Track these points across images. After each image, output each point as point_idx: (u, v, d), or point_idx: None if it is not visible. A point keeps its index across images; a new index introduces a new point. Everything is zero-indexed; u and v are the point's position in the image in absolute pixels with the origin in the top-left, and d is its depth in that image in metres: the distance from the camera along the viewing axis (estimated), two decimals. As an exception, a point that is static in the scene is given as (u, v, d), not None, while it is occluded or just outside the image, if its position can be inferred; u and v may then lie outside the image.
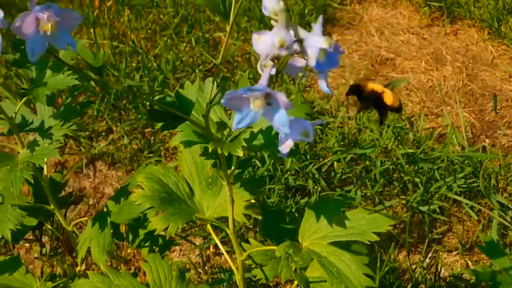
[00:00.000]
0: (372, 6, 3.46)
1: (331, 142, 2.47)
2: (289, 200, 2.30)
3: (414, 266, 2.15)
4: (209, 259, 2.25)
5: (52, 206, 1.50)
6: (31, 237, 1.66)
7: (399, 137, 2.45)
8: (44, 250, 1.62)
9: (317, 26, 0.87)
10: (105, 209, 1.47)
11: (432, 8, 3.32)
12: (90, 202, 2.57)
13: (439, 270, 2.07)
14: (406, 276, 2.13)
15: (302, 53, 0.92)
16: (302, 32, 0.88)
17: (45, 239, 1.78)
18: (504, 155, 2.45)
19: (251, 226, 2.24)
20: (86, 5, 3.37)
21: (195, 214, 1.32)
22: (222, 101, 0.87)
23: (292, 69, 0.97)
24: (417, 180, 2.32)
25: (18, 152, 1.45)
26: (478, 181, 2.27)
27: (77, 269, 1.49)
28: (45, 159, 1.38)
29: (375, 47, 3.15)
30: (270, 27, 0.89)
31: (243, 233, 2.23)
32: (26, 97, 1.37)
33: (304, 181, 2.36)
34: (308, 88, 2.85)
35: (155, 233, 1.29)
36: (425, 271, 2.10)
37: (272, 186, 2.32)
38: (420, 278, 2.08)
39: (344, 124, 2.60)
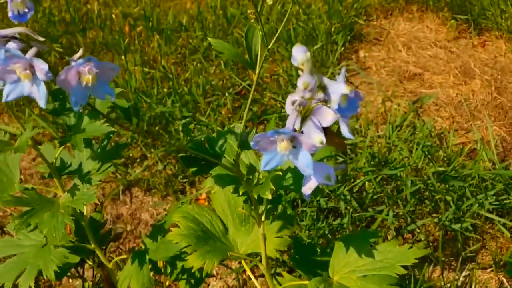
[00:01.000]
0: (398, 20, 3.48)
1: (361, 162, 2.50)
2: (322, 222, 2.34)
3: (448, 285, 2.17)
4: (246, 283, 2.29)
5: (92, 245, 1.56)
6: (72, 273, 1.72)
7: (429, 156, 2.47)
8: (86, 284, 1.68)
9: (340, 76, 0.92)
10: (142, 247, 1.53)
11: (458, 21, 3.32)
12: (128, 229, 2.64)
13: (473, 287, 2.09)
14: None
15: (326, 101, 0.97)
16: (325, 80, 0.93)
17: (86, 273, 1.84)
18: (535, 170, 2.45)
19: (285, 260, 2.28)
20: (117, 31, 3.47)
21: (230, 252, 1.37)
22: (251, 143, 0.93)
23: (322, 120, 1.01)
24: (448, 198, 2.33)
25: (56, 195, 1.53)
26: (510, 197, 2.28)
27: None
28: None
29: (402, 62, 3.17)
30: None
31: (276, 267, 2.27)
32: (65, 144, 1.44)
33: (336, 202, 2.39)
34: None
35: (192, 270, 1.34)
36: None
37: (305, 209, 2.36)
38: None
39: (374, 143, 2.63)
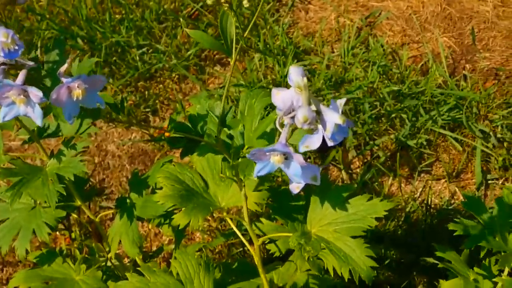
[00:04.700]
0: None
1: (318, 84, 2.58)
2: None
3: (406, 196, 2.34)
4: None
5: (79, 202, 1.64)
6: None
7: (384, 75, 2.57)
8: (73, 235, 1.77)
9: (335, 105, 0.98)
10: (128, 201, 1.60)
11: None
12: (96, 161, 2.70)
13: (429, 198, 2.26)
14: (399, 207, 2.32)
15: (318, 121, 1.04)
16: (321, 107, 0.99)
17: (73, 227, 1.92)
18: (483, 82, 2.58)
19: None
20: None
21: (212, 207, 1.47)
22: (248, 155, 1.01)
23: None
24: (404, 116, 2.46)
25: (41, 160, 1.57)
26: (461, 112, 2.42)
27: (109, 255, 1.64)
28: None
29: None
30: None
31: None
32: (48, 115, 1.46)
33: (297, 126, 2.49)
34: (291, 28, 2.91)
35: (180, 228, 1.44)
36: (417, 201, 2.29)
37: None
38: (413, 208, 2.28)
39: (330, 62, 2.70)
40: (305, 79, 0.97)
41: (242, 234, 1.52)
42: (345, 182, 2.42)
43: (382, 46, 2.72)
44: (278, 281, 1.73)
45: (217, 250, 2.39)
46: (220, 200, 1.51)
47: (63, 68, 1.09)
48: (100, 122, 2.78)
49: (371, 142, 2.44)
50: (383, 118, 2.51)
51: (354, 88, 2.51)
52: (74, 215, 1.72)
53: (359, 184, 2.38)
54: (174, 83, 2.84)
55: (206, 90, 2.75)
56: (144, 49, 2.87)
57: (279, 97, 0.99)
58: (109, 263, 1.70)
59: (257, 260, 1.49)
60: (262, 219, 1.54)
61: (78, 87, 1.06)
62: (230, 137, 1.31)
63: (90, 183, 2.58)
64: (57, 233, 2.07)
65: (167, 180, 1.47)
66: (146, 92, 2.79)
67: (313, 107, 0.98)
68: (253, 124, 1.23)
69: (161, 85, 2.84)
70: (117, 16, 3.02)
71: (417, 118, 2.46)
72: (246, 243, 1.50)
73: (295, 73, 0.98)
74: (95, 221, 1.66)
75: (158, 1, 3.01)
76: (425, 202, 2.27)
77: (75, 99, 1.07)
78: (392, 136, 2.46)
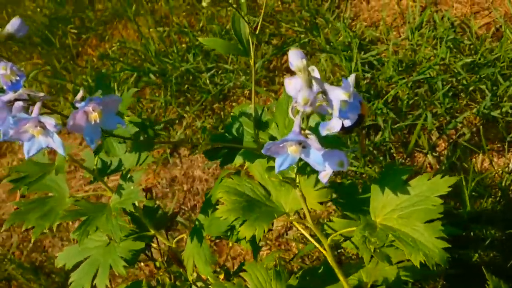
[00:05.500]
0: None
1: (389, 71, 2.50)
2: (365, 140, 2.38)
3: (500, 171, 2.20)
4: (280, 236, 2.39)
5: (152, 231, 1.67)
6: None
7: (454, 49, 2.45)
8: (157, 263, 1.80)
9: (346, 82, 0.94)
10: (197, 223, 1.62)
11: None
12: (185, 188, 2.76)
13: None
14: (495, 182, 2.18)
15: (327, 101, 1.00)
16: (326, 85, 0.95)
17: (156, 255, 1.96)
18: None
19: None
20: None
21: (275, 213, 1.44)
22: (262, 151, 0.98)
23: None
24: (482, 87, 2.32)
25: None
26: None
27: (190, 278, 1.66)
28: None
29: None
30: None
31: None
32: (99, 152, 1.51)
33: (374, 118, 2.42)
34: (354, 22, 2.85)
35: (246, 241, 1.43)
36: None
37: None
38: (508, 182, 2.14)
39: (398, 47, 2.61)
40: (304, 60, 0.93)
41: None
42: (433, 166, 2.32)
43: (449, 19, 2.59)
44: (367, 278, 1.67)
45: (314, 257, 2.36)
46: (284, 205, 1.48)
47: (79, 96, 1.11)
48: (183, 150, 2.85)
49: (453, 121, 2.33)
50: (462, 94, 2.39)
51: (425, 68, 2.40)
52: (154, 244, 1.75)
53: (446, 166, 2.27)
54: (247, 99, 2.85)
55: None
56: (213, 71, 2.90)
57: (291, 86, 0.96)
58: (194, 286, 1.71)
59: (330, 260, 1.44)
60: (333, 218, 1.50)
61: (93, 110, 1.07)
62: (272, 138, 1.28)
63: (178, 210, 2.64)
64: (142, 264, 2.12)
65: (226, 195, 1.46)
66: (222, 113, 2.82)
67: (319, 88, 0.94)
68: (285, 120, 1.20)
69: (235, 103, 2.87)
70: (183, 45, 3.08)
71: (497, 86, 2.31)
72: (317, 245, 1.46)
73: (293, 57, 0.95)
74: (171, 247, 1.68)
75: (221, 23, 3.05)
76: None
77: (93, 122, 1.09)
78: (474, 110, 2.33)
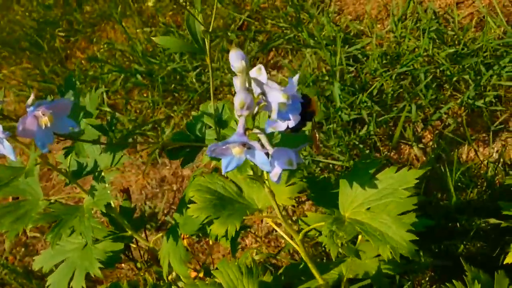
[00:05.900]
0: None
1: (373, 64, 2.48)
2: (350, 135, 2.37)
3: (485, 161, 2.18)
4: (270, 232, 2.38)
5: (129, 232, 1.66)
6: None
7: (438, 40, 2.43)
8: (138, 264, 1.80)
9: (291, 82, 0.93)
10: (173, 222, 1.61)
11: None
12: (174, 188, 2.75)
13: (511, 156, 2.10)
14: (480, 173, 2.17)
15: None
16: (265, 87, 0.94)
17: (135, 254, 1.96)
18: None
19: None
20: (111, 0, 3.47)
21: (248, 210, 1.43)
22: (207, 153, 0.97)
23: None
24: (466, 77, 2.31)
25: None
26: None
27: (165, 277, 1.65)
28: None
29: None
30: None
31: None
32: (70, 154, 1.51)
33: (358, 111, 2.41)
34: (339, 16, 2.84)
35: (219, 239, 1.42)
36: (496, 163, 2.13)
37: (330, 126, 2.39)
38: (493, 172, 2.12)
39: (383, 40, 2.60)
40: (243, 62, 0.92)
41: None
42: (419, 159, 2.30)
43: (433, 10, 2.57)
44: (347, 273, 1.66)
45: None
46: (256, 201, 1.48)
47: (29, 100, 1.10)
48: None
49: (438, 112, 2.31)
50: (446, 85, 2.37)
51: (409, 60, 2.39)
52: (133, 245, 1.75)
53: (432, 157, 2.25)
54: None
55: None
56: (199, 70, 2.90)
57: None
58: (174, 286, 1.71)
59: (303, 255, 1.44)
60: (307, 212, 1.49)
61: (43, 114, 1.06)
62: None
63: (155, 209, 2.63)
64: (123, 265, 2.12)
65: (198, 193, 1.45)
66: (209, 111, 2.81)
67: (259, 90, 0.93)
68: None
69: (223, 101, 2.85)
70: (170, 45, 3.07)
71: (481, 76, 2.29)
72: (290, 240, 1.45)
73: (233, 58, 0.94)
74: (150, 247, 1.67)
75: (207, 22, 3.04)
76: (508, 162, 2.11)
77: (43, 127, 1.08)
78: (458, 100, 2.31)
